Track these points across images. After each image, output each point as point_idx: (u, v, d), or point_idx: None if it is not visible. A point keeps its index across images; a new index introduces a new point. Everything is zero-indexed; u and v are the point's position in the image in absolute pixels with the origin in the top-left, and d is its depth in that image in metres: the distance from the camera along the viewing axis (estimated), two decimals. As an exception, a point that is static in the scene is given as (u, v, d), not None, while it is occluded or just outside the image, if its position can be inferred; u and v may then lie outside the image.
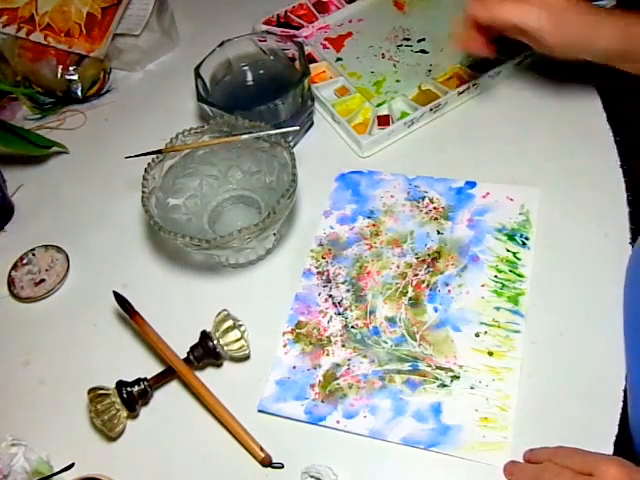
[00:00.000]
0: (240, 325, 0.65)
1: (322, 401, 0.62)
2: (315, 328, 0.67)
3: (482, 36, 0.69)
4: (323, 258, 0.72)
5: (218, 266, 0.75)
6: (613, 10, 0.64)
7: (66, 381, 0.69)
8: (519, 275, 0.67)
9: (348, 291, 0.69)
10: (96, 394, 0.62)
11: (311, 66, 0.85)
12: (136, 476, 0.62)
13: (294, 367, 0.65)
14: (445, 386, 0.61)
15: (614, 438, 0.56)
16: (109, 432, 0.62)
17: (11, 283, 0.77)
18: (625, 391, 0.58)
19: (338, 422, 0.61)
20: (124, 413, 0.63)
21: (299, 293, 0.70)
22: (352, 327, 0.67)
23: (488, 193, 0.74)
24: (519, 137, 0.78)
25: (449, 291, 0.67)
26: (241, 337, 0.64)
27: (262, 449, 0.60)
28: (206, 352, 0.64)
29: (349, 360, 0.65)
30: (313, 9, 0.97)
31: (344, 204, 0.77)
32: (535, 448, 0.56)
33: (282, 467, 0.59)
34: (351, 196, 0.77)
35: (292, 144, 0.81)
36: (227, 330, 0.64)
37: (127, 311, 0.68)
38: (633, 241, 0.67)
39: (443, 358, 0.63)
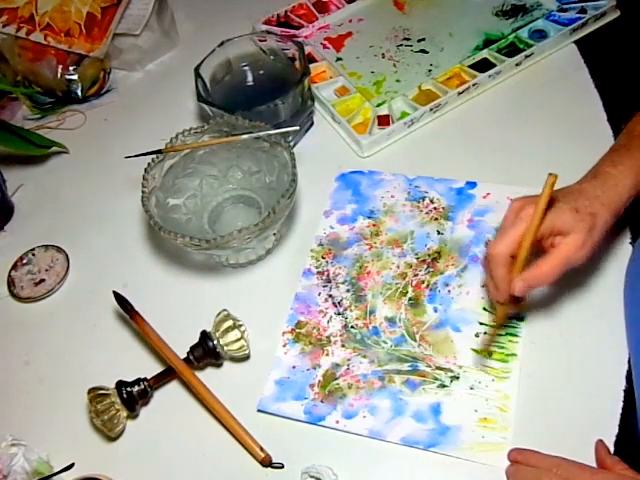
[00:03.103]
0: (240, 325, 0.65)
1: (321, 401, 0.62)
2: (315, 328, 0.67)
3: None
4: (323, 258, 0.72)
5: (218, 266, 0.75)
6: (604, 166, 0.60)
7: (66, 381, 0.69)
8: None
9: (348, 291, 0.69)
10: (96, 394, 0.62)
11: (311, 66, 0.85)
12: (136, 476, 0.62)
13: (294, 367, 0.65)
14: (445, 386, 0.61)
15: (614, 438, 0.56)
16: (109, 432, 0.62)
17: (11, 283, 0.77)
18: (625, 391, 0.58)
19: (337, 422, 0.61)
20: (124, 413, 0.63)
21: (299, 293, 0.70)
22: (352, 327, 0.67)
23: (488, 193, 0.74)
24: (519, 137, 0.78)
25: (449, 291, 0.67)
26: (241, 337, 0.64)
27: (262, 449, 0.60)
28: (206, 352, 0.64)
29: (349, 360, 0.65)
30: (313, 9, 0.97)
31: (344, 204, 0.77)
32: (522, 448, 0.56)
33: (282, 467, 0.59)
34: (351, 196, 0.77)
35: (292, 144, 0.81)
36: (227, 330, 0.64)
37: (127, 311, 0.68)
38: (633, 241, 0.67)
39: (443, 358, 0.63)
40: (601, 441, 0.55)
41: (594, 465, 0.54)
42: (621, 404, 0.58)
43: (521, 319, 0.64)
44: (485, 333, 0.64)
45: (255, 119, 0.71)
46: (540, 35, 0.87)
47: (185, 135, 0.73)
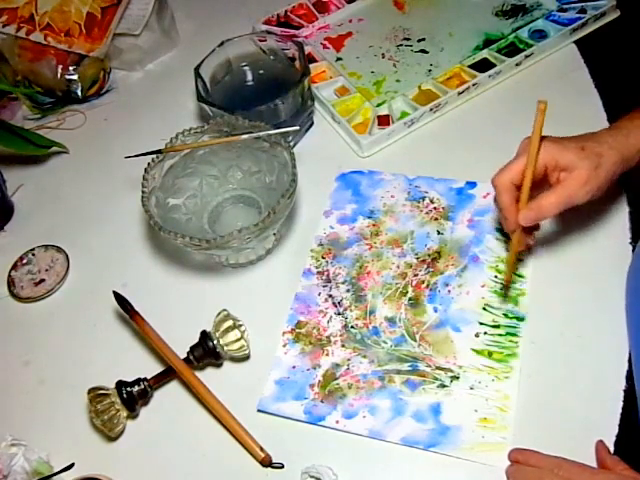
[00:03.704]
0: (240, 325, 0.65)
1: (321, 401, 0.62)
2: (315, 328, 0.67)
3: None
4: (323, 258, 0.72)
5: (218, 266, 0.75)
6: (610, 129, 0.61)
7: (66, 381, 0.69)
8: (519, 275, 0.67)
9: (348, 291, 0.69)
10: (96, 394, 0.62)
11: (311, 66, 0.85)
12: (136, 476, 0.62)
13: (294, 367, 0.65)
14: (445, 386, 0.61)
15: (614, 438, 0.56)
16: (109, 432, 0.62)
17: (11, 283, 0.77)
18: (625, 391, 0.58)
19: (337, 422, 0.61)
20: (124, 413, 0.63)
21: (299, 293, 0.70)
22: (352, 327, 0.67)
23: (488, 193, 0.74)
24: (519, 137, 0.77)
25: (449, 291, 0.67)
26: (241, 337, 0.64)
27: (262, 449, 0.60)
28: (206, 352, 0.64)
29: (349, 360, 0.65)
30: (313, 9, 0.97)
31: (344, 204, 0.77)
32: (523, 449, 0.56)
33: (282, 467, 0.59)
34: (351, 196, 0.77)
35: (292, 144, 0.81)
36: (227, 330, 0.64)
37: (127, 311, 0.68)
38: (633, 241, 0.67)
39: (443, 358, 0.63)
40: (601, 441, 0.55)
41: (594, 465, 0.54)
42: (621, 404, 0.58)
43: (521, 319, 0.64)
44: (485, 333, 0.63)
45: (255, 119, 0.71)
46: (540, 35, 0.87)
47: (185, 135, 0.73)
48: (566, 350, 0.62)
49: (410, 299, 0.68)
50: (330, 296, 0.69)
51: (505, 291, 0.65)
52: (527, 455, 0.55)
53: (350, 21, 0.96)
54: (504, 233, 0.69)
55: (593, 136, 0.59)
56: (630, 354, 0.60)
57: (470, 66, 0.85)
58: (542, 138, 0.56)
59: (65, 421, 0.66)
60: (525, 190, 0.57)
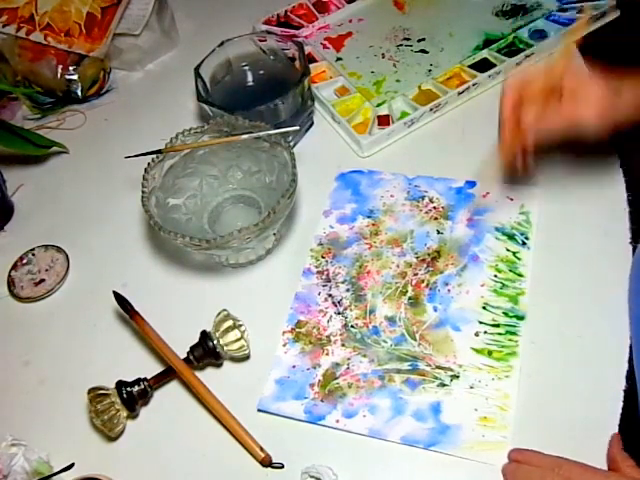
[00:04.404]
0: (240, 325, 0.65)
1: (322, 400, 0.62)
2: (315, 327, 0.67)
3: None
4: (323, 257, 0.72)
5: (218, 266, 0.75)
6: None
7: (66, 381, 0.69)
8: (519, 275, 0.67)
9: (348, 290, 0.69)
10: (96, 394, 0.62)
11: (311, 66, 0.85)
12: (136, 476, 0.62)
13: (294, 366, 0.65)
14: (445, 385, 0.61)
15: (614, 438, 0.56)
16: (109, 432, 0.62)
17: (11, 283, 0.77)
18: (625, 391, 0.58)
19: (337, 421, 0.61)
20: (124, 413, 0.63)
21: (299, 292, 0.70)
22: (352, 326, 0.67)
23: (488, 193, 0.74)
24: (519, 137, 0.78)
25: (449, 290, 0.67)
26: (241, 337, 0.64)
27: (262, 449, 0.60)
28: (206, 352, 0.64)
29: (349, 359, 0.65)
30: (313, 9, 0.97)
31: (344, 203, 0.77)
32: (522, 449, 0.56)
33: (282, 467, 0.59)
34: (351, 195, 0.77)
35: (292, 144, 0.81)
36: (227, 330, 0.64)
37: (127, 311, 0.68)
38: (633, 241, 0.67)
39: (443, 357, 0.63)
40: (617, 436, 0.55)
41: (595, 465, 0.54)
42: (621, 404, 0.58)
43: (521, 318, 0.64)
44: (485, 332, 0.63)
45: (255, 119, 0.71)
46: (540, 35, 0.87)
47: (185, 135, 0.73)
48: (566, 350, 0.62)
49: (410, 298, 0.68)
50: (330, 295, 0.69)
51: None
52: (527, 455, 0.55)
53: (350, 21, 0.96)
54: (504, 232, 0.70)
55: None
56: (630, 354, 0.60)
57: (470, 66, 0.85)
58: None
59: (65, 421, 0.66)
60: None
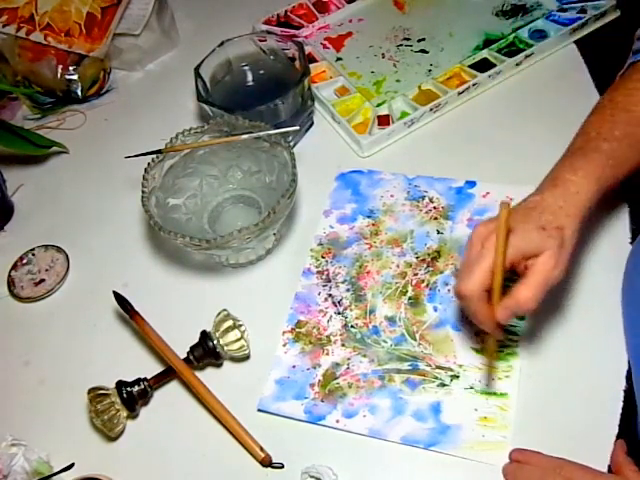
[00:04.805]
0: (240, 325, 0.65)
1: (322, 400, 0.62)
2: (315, 327, 0.67)
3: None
4: (323, 257, 0.72)
5: (218, 266, 0.75)
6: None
7: (66, 381, 0.69)
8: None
9: (348, 290, 0.69)
10: (96, 394, 0.62)
11: (311, 66, 0.85)
12: (136, 476, 0.62)
13: (294, 366, 0.65)
14: (445, 385, 0.61)
15: (614, 438, 0.56)
16: (109, 432, 0.62)
17: (11, 283, 0.77)
18: (625, 391, 0.58)
19: (338, 421, 0.61)
20: (124, 413, 0.63)
21: (299, 292, 0.70)
22: (352, 326, 0.67)
23: (488, 193, 0.74)
24: (519, 137, 0.78)
25: (449, 290, 0.67)
26: (241, 337, 0.64)
27: (262, 449, 0.60)
28: (206, 352, 0.64)
29: (349, 359, 0.65)
30: (313, 9, 0.97)
31: (344, 203, 0.77)
32: (523, 449, 0.56)
33: (282, 467, 0.59)
34: (351, 195, 0.77)
35: (292, 144, 0.81)
36: (227, 330, 0.64)
37: (127, 311, 0.68)
38: (633, 241, 0.67)
39: (443, 357, 0.63)
40: (622, 442, 0.55)
41: (595, 466, 0.54)
42: (621, 404, 0.58)
43: (521, 318, 0.64)
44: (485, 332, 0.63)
45: (255, 119, 0.71)
46: (540, 35, 0.87)
47: (185, 135, 0.73)
48: (566, 350, 0.62)
49: (410, 298, 0.68)
50: (330, 295, 0.69)
51: (489, 381, 0.61)
52: (528, 455, 0.55)
53: (350, 21, 0.96)
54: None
55: (543, 204, 0.55)
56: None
57: (470, 66, 0.85)
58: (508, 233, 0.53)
59: (65, 421, 0.66)
60: (497, 292, 0.53)
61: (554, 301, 0.65)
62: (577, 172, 0.57)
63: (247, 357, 0.66)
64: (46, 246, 0.80)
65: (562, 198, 0.55)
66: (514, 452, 0.56)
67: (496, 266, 0.52)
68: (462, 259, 0.57)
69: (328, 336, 0.67)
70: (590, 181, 0.56)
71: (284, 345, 0.67)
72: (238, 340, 0.64)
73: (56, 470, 0.61)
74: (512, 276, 0.55)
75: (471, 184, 0.75)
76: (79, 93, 0.94)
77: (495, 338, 0.57)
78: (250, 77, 0.85)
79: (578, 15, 0.87)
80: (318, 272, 0.71)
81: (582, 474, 0.52)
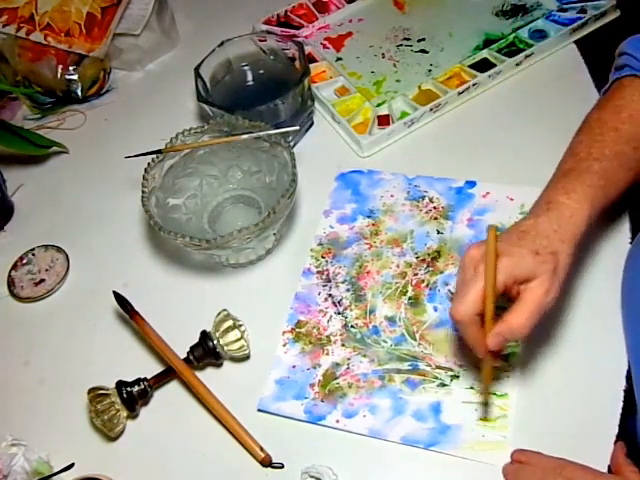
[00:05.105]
0: (240, 325, 0.65)
1: (322, 400, 0.62)
2: (315, 327, 0.67)
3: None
4: (323, 257, 0.72)
5: (218, 266, 0.75)
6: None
7: (66, 381, 0.69)
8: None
9: (348, 290, 0.69)
10: (96, 394, 0.62)
11: (311, 66, 0.85)
12: (136, 476, 0.62)
13: (294, 366, 0.65)
14: (445, 385, 0.61)
15: (614, 438, 0.56)
16: (109, 432, 0.62)
17: (11, 283, 0.77)
18: (625, 391, 0.58)
19: (338, 421, 0.61)
20: (124, 413, 0.63)
21: (299, 292, 0.70)
22: (352, 326, 0.67)
23: (488, 193, 0.74)
24: (519, 137, 0.78)
25: (449, 290, 0.67)
26: (241, 337, 0.64)
27: (262, 449, 0.60)
28: (206, 352, 0.64)
29: (349, 359, 0.65)
30: (313, 9, 0.97)
31: (344, 203, 0.77)
32: (525, 449, 0.56)
33: (282, 467, 0.59)
34: (351, 195, 0.77)
35: (292, 144, 0.81)
36: (227, 330, 0.64)
37: (127, 311, 0.68)
38: (633, 241, 0.67)
39: (443, 357, 0.63)
40: (621, 444, 0.55)
41: (595, 465, 0.54)
42: (621, 404, 0.58)
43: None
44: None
45: (255, 119, 0.71)
46: (540, 35, 0.87)
47: (185, 135, 0.73)
48: (566, 350, 0.62)
49: (410, 298, 0.68)
50: (330, 295, 0.69)
51: (485, 410, 0.59)
52: (529, 456, 0.55)
53: (350, 21, 0.96)
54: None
55: (537, 228, 0.55)
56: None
57: (470, 66, 0.85)
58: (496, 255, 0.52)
59: (65, 421, 0.66)
60: (488, 318, 0.52)
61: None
62: (570, 195, 0.56)
63: (247, 357, 0.66)
64: (46, 246, 0.80)
65: (556, 222, 0.55)
66: (515, 453, 0.56)
67: (486, 291, 0.52)
68: (457, 282, 0.56)
69: (328, 336, 0.67)
70: (584, 204, 0.56)
71: (284, 345, 0.67)
72: (238, 340, 0.64)
73: (56, 470, 0.61)
74: (505, 301, 0.54)
75: (471, 184, 0.75)
76: (79, 93, 0.94)
77: (489, 364, 0.55)
78: (250, 77, 0.86)
79: (578, 15, 0.87)
80: (318, 272, 0.71)
81: (583, 474, 0.52)
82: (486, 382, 0.58)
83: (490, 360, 0.55)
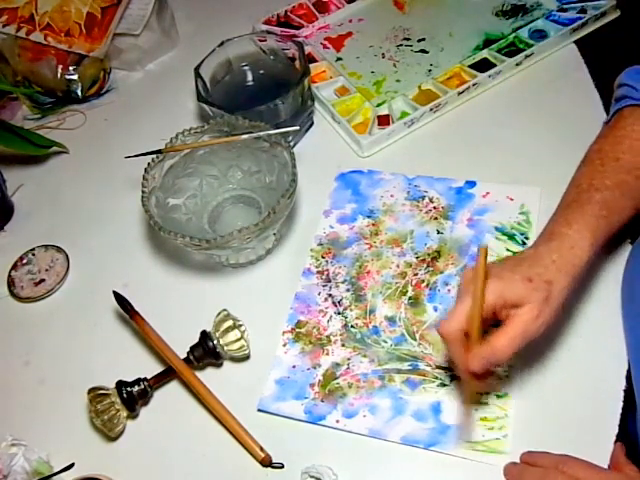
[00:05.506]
0: (240, 325, 0.65)
1: (322, 400, 0.62)
2: (315, 327, 0.67)
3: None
4: (323, 257, 0.72)
5: (218, 266, 0.75)
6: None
7: (66, 381, 0.69)
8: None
9: (348, 290, 0.69)
10: (96, 394, 0.62)
11: (311, 66, 0.85)
12: (136, 476, 0.62)
13: (294, 366, 0.65)
14: (445, 385, 0.61)
15: (614, 438, 0.56)
16: (109, 432, 0.62)
17: (11, 283, 0.77)
18: (625, 391, 0.58)
19: (338, 421, 0.61)
20: (124, 413, 0.63)
21: (299, 292, 0.70)
22: (352, 326, 0.67)
23: (488, 193, 0.74)
24: (519, 137, 0.78)
25: (449, 290, 0.67)
26: (241, 337, 0.64)
27: (262, 449, 0.60)
28: (206, 352, 0.64)
29: (349, 359, 0.65)
30: (313, 9, 0.97)
31: (344, 203, 0.77)
32: (534, 451, 0.56)
33: (282, 467, 0.59)
34: (351, 195, 0.77)
35: (292, 144, 0.81)
36: (227, 330, 0.64)
37: (127, 311, 0.68)
38: (633, 241, 0.67)
39: (443, 357, 0.63)
40: (621, 444, 0.55)
41: (598, 463, 0.54)
42: (621, 404, 0.58)
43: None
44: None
45: (255, 119, 0.71)
46: (540, 35, 0.87)
47: (185, 135, 0.73)
48: (566, 350, 0.62)
49: (410, 298, 0.68)
50: (330, 295, 0.69)
51: (468, 432, 0.58)
52: (536, 456, 0.55)
53: (350, 21, 0.96)
54: (504, 232, 0.70)
55: (536, 257, 0.55)
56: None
57: (470, 66, 0.85)
58: (485, 276, 0.52)
59: (65, 421, 0.66)
60: (474, 337, 0.52)
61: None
62: (572, 225, 0.56)
63: (247, 357, 0.66)
64: (46, 246, 0.80)
65: (557, 252, 0.55)
66: (524, 455, 0.56)
67: (473, 310, 0.52)
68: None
69: (328, 336, 0.67)
70: (585, 234, 0.55)
71: (284, 345, 0.67)
72: (238, 340, 0.64)
73: (56, 470, 0.61)
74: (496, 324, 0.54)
75: (471, 184, 0.75)
76: (79, 93, 0.94)
77: (471, 386, 0.55)
78: (250, 77, 0.86)
79: (578, 15, 0.87)
80: (318, 272, 0.71)
81: (584, 469, 0.52)
82: (466, 404, 0.58)
83: (472, 382, 0.55)
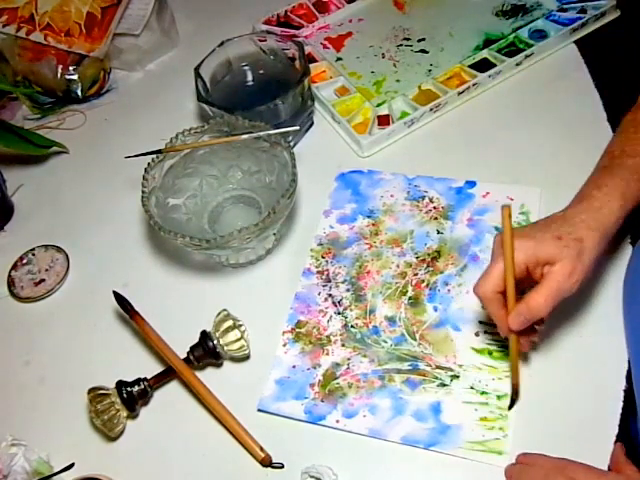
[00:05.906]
0: (240, 325, 0.65)
1: (322, 400, 0.62)
2: (315, 327, 0.67)
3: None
4: (323, 257, 0.72)
5: (218, 266, 0.75)
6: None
7: (66, 381, 0.69)
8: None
9: (348, 290, 0.69)
10: (96, 394, 0.62)
11: (311, 66, 0.85)
12: (136, 476, 0.62)
13: (294, 366, 0.65)
14: (445, 385, 0.61)
15: (614, 438, 0.56)
16: (109, 432, 0.62)
17: (11, 283, 0.77)
18: (625, 391, 0.58)
19: (338, 421, 0.61)
20: (124, 413, 0.63)
21: (299, 292, 0.70)
22: (352, 326, 0.67)
23: (488, 193, 0.74)
24: (519, 137, 0.78)
25: (449, 290, 0.67)
26: (241, 337, 0.64)
27: (262, 449, 0.60)
28: (206, 352, 0.64)
29: (349, 359, 0.65)
30: (313, 9, 0.97)
31: (344, 203, 0.77)
32: (529, 453, 0.56)
33: (282, 467, 0.59)
34: (351, 195, 0.77)
35: (292, 144, 0.81)
36: (227, 330, 0.64)
37: (127, 311, 0.68)
38: (633, 241, 0.67)
39: (443, 357, 0.63)
40: (621, 445, 0.55)
41: (596, 465, 0.54)
42: (621, 404, 0.58)
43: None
44: (485, 332, 0.63)
45: (255, 119, 0.71)
46: (540, 35, 0.87)
47: (185, 135, 0.73)
48: (566, 350, 0.62)
49: (410, 298, 0.68)
50: (330, 295, 0.69)
51: (514, 395, 0.58)
52: (533, 457, 0.55)
53: (350, 21, 0.96)
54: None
55: (565, 217, 0.56)
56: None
57: (470, 66, 0.85)
58: (515, 236, 0.54)
59: (65, 421, 0.66)
60: (510, 295, 0.54)
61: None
62: (601, 188, 0.57)
63: (247, 357, 0.66)
64: (46, 246, 0.80)
65: (585, 212, 0.56)
66: (520, 456, 0.56)
67: (506, 269, 0.53)
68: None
69: (328, 336, 0.67)
70: (614, 196, 0.56)
71: (284, 345, 0.67)
72: (238, 340, 0.64)
73: (56, 470, 0.61)
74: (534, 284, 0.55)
75: (471, 184, 0.75)
76: (79, 93, 0.94)
77: (514, 344, 0.56)
78: (250, 77, 0.86)
79: (578, 15, 0.87)
80: (318, 272, 0.71)
81: (585, 473, 0.52)
82: (513, 362, 0.58)
83: (515, 340, 0.56)
